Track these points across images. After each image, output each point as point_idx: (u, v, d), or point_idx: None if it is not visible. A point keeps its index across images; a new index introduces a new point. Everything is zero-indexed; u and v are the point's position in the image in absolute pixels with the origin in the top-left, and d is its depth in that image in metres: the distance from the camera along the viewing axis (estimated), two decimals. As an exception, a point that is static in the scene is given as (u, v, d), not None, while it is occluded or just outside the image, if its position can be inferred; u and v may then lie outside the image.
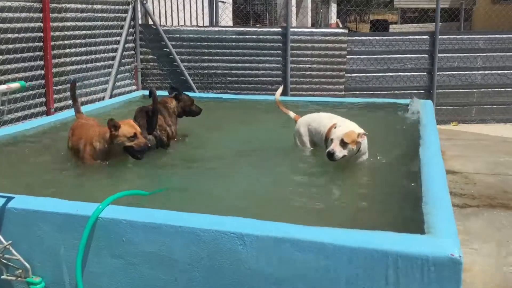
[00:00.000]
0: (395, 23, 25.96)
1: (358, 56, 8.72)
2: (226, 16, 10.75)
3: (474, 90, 8.90)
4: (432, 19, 21.08)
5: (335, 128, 3.80)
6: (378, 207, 3.37)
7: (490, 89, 8.89)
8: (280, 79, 8.68)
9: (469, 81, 8.84)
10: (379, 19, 29.72)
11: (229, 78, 8.65)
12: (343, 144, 3.63)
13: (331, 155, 3.62)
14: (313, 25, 25.59)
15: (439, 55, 8.65)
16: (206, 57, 8.57)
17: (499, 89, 8.89)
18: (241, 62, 8.61)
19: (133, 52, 8.32)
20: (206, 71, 8.59)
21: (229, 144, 4.87)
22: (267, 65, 8.62)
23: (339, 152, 3.62)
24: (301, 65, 8.67)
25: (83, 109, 7.01)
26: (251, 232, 2.82)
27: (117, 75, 7.89)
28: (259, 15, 20.48)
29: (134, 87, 8.40)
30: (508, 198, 5.44)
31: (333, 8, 31.85)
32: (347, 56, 8.68)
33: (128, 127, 4.12)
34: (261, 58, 8.61)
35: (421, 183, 3.32)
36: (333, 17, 31.86)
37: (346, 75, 8.74)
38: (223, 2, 10.88)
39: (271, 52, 8.60)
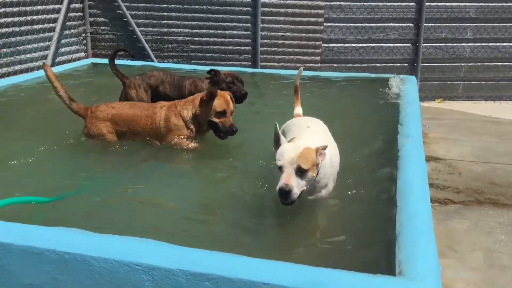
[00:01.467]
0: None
1: (336, 24, 7.83)
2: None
3: (462, 64, 8.12)
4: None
5: (286, 143, 2.57)
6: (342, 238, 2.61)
7: (479, 63, 8.12)
8: (249, 48, 7.78)
9: (456, 54, 8.05)
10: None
11: (192, 46, 7.72)
12: (301, 172, 2.43)
13: (286, 194, 2.38)
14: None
15: (425, 24, 7.81)
16: (166, 21, 7.61)
17: (489, 64, 8.12)
18: (205, 28, 7.67)
19: (81, 13, 7.31)
20: (165, 38, 7.64)
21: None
22: (234, 32, 7.69)
23: (297, 186, 2.41)
24: (272, 33, 7.76)
25: (16, 79, 6.12)
26: (162, 265, 2.09)
27: (60, 40, 6.90)
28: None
29: (82, 54, 7.43)
30: (497, 192, 4.74)
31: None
32: (324, 24, 7.79)
33: (222, 102, 3.66)
34: (228, 24, 7.67)
35: (396, 201, 2.56)
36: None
37: (322, 45, 7.87)
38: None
39: (239, 17, 7.66)
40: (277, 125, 2.64)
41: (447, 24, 7.89)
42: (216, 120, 3.66)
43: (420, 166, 3.02)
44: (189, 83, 4.64)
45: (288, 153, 2.47)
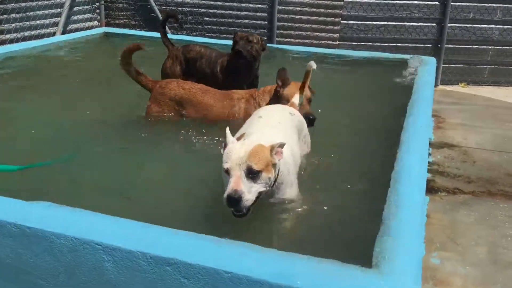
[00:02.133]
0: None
1: (357, 0, 7.49)
2: None
3: (489, 47, 7.70)
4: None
5: (235, 143, 2.20)
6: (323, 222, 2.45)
7: (508, 47, 7.68)
8: (266, 22, 7.53)
9: (484, 36, 7.63)
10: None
11: (207, 19, 7.52)
12: (253, 174, 2.11)
13: (235, 202, 2.05)
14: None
15: (452, 3, 7.39)
16: (181, -9, 7.41)
17: (519, 48, 7.67)
18: (220, 0, 7.43)
19: (95, -19, 7.18)
20: (180, 9, 7.45)
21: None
22: (250, 5, 7.44)
23: (249, 193, 2.08)
24: (290, 8, 7.48)
25: (26, 45, 6.06)
26: (123, 246, 2.00)
27: (72, 7, 6.80)
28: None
29: (96, 22, 7.32)
30: (511, 186, 4.47)
31: None
32: (344, 0, 7.46)
33: (296, 89, 3.41)
34: (243, -3, 7.43)
35: (389, 190, 2.38)
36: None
37: (342, 21, 7.55)
38: None
39: (257, -11, 7.40)
40: (228, 128, 2.31)
41: (475, 4, 7.46)
42: None
43: (420, 154, 2.82)
44: (221, 61, 4.53)
45: (236, 151, 2.11)
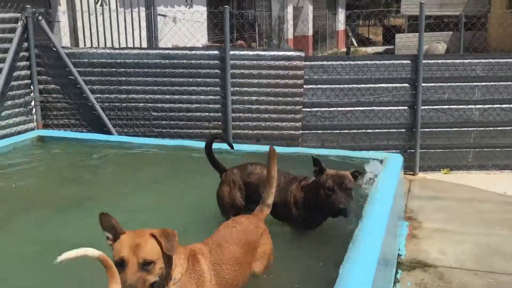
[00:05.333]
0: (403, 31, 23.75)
1: (319, 86, 6.81)
2: (168, 33, 8.89)
3: (471, 128, 6.91)
4: (447, 27, 19.05)
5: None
6: None
7: (491, 128, 6.89)
8: (220, 114, 6.83)
9: (463, 118, 6.86)
10: (395, 25, 27.55)
11: (154, 114, 6.84)
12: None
13: None
14: (316, 34, 23.64)
15: (423, 84, 6.70)
16: (124, 87, 6.77)
17: (503, 128, 6.88)
18: (168, 93, 6.79)
19: (28, 81, 6.58)
20: (124, 105, 6.80)
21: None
22: (201, 97, 6.78)
23: None
24: (245, 97, 6.81)
25: None
26: None
27: (1, 111, 6.17)
28: (252, 25, 18.54)
29: (32, 124, 6.65)
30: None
31: (341, 14, 29.84)
32: (305, 86, 6.79)
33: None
34: (194, 88, 6.78)
35: None
36: (341, 23, 29.84)
37: (303, 109, 6.85)
38: (163, 15, 9.08)
39: (207, 80, 6.76)
40: None
41: (450, 84, 6.75)
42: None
43: None
44: (295, 187, 3.91)
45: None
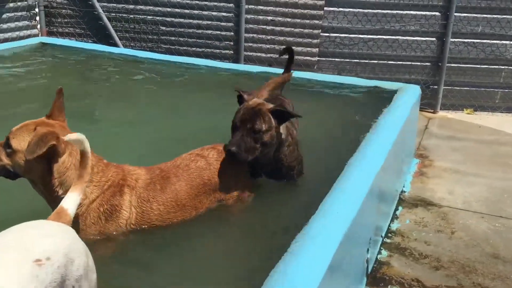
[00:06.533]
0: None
1: (340, 9, 6.28)
2: None
3: (502, 67, 6.36)
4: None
5: None
6: None
7: (525, 68, 6.32)
8: (232, 33, 6.42)
9: (495, 54, 6.29)
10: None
11: (163, 28, 6.47)
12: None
13: None
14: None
15: (456, 14, 6.10)
16: (133, -4, 6.39)
17: (539, 69, 6.30)
18: (179, 6, 6.37)
19: (33, -16, 6.25)
20: (132, 17, 6.44)
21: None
22: (213, 13, 6.35)
23: None
24: (260, 17, 6.35)
25: None
26: None
27: (2, 13, 5.90)
28: None
29: (35, 30, 6.39)
30: (496, 274, 3.25)
31: None
32: (325, 8, 6.27)
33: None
34: (206, 3, 6.34)
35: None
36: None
37: (322, 34, 6.37)
38: None
39: (220, -5, 6.30)
40: None
41: (484, 15, 6.13)
42: None
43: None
44: None
45: None
